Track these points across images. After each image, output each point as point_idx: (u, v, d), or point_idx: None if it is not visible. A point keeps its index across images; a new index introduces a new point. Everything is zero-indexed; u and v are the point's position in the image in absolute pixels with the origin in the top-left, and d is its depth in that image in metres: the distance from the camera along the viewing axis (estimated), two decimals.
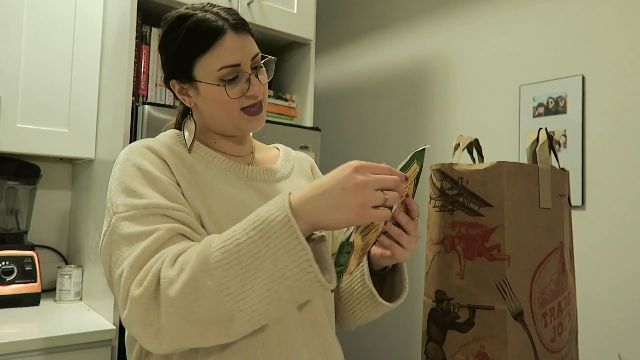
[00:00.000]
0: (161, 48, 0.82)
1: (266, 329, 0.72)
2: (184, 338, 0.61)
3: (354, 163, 0.62)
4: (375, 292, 0.82)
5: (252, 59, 0.80)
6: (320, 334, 0.78)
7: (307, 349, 0.75)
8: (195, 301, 0.59)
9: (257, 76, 0.80)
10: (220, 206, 0.75)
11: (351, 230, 0.64)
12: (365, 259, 0.81)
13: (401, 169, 0.69)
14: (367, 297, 0.83)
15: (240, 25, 0.79)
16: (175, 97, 0.85)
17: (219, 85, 0.77)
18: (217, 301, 0.59)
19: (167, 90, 1.56)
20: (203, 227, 0.73)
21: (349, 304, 0.87)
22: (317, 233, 0.63)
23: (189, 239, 0.69)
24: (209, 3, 0.81)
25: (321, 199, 0.60)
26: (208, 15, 0.77)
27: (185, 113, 0.89)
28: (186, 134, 0.82)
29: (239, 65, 0.78)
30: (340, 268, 0.64)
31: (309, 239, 0.63)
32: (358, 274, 0.83)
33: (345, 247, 0.63)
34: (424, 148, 0.71)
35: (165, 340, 0.62)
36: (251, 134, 0.90)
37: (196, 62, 0.77)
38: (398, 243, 0.74)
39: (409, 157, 0.71)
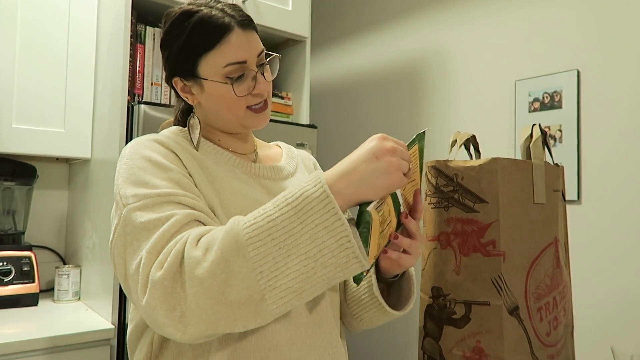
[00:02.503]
0: (164, 45, 0.80)
1: (278, 330, 0.71)
2: (212, 321, 0.58)
3: (378, 134, 0.64)
4: (385, 304, 0.81)
5: (258, 56, 0.79)
6: (328, 334, 0.78)
7: (316, 350, 0.75)
8: (225, 281, 0.57)
9: (262, 74, 0.79)
10: (234, 202, 0.74)
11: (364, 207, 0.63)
12: (373, 270, 0.80)
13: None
14: (375, 307, 0.82)
15: (247, 22, 0.78)
16: (177, 95, 0.84)
17: (225, 82, 0.76)
18: (250, 280, 0.57)
19: (163, 90, 1.56)
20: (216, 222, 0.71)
21: (356, 312, 0.86)
22: (345, 215, 0.62)
23: (205, 225, 0.67)
24: None
25: (355, 172, 0.61)
26: (214, 12, 0.76)
27: (186, 111, 0.88)
28: (192, 131, 0.80)
29: (245, 62, 0.77)
30: (364, 236, 0.62)
31: None
32: (365, 284, 0.82)
33: (364, 216, 0.61)
34: (424, 131, 0.73)
35: (191, 323, 0.58)
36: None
37: (201, 59, 0.76)
38: (405, 252, 0.73)
39: (410, 140, 0.72)
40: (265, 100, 0.81)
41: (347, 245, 0.58)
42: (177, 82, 0.80)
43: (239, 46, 0.76)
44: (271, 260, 0.57)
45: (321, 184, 0.59)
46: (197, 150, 0.78)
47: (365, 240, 0.62)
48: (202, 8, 0.76)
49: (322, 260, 0.58)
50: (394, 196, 0.68)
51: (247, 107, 0.79)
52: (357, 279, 0.67)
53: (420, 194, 0.73)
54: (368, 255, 0.64)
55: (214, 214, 0.72)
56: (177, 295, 0.59)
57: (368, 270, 0.68)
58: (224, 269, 0.57)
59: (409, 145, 0.71)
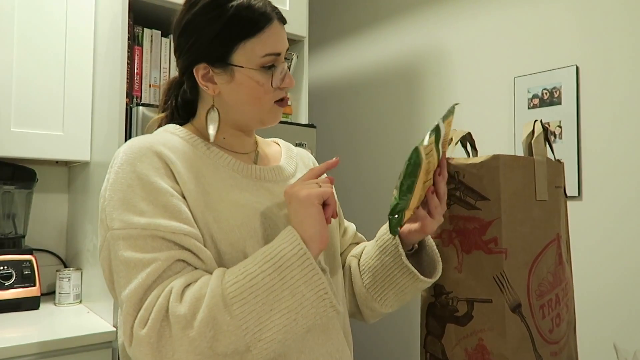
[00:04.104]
0: (190, 28, 0.75)
1: None
2: None
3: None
4: (415, 271, 0.80)
5: (286, 52, 0.80)
6: (334, 338, 0.78)
7: (323, 356, 0.75)
8: (213, 336, 0.60)
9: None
10: (232, 214, 0.72)
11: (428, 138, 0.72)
12: (398, 241, 0.81)
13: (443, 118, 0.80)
14: (405, 277, 0.81)
15: (283, 17, 0.79)
16: (193, 85, 0.80)
17: (264, 71, 0.75)
18: (236, 336, 0.61)
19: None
20: (212, 239, 0.70)
21: (380, 292, 0.84)
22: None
23: (188, 264, 0.66)
24: None
25: (297, 218, 0.68)
26: (253, 1, 0.75)
27: (184, 106, 0.84)
28: (210, 126, 0.78)
29: (279, 54, 0.77)
30: (410, 180, 0.71)
31: None
32: (391, 259, 0.81)
33: (416, 160, 0.69)
34: (456, 104, 0.82)
35: None
36: None
37: (239, 46, 0.74)
38: (429, 214, 0.78)
39: (447, 111, 0.80)
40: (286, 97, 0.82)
41: (325, 297, 0.64)
42: (200, 69, 0.76)
43: (278, 38, 0.76)
44: (255, 317, 0.61)
45: (298, 240, 0.64)
46: (211, 141, 0.77)
47: (409, 188, 0.70)
48: None
49: (302, 312, 0.63)
50: (437, 153, 0.75)
51: (275, 101, 0.79)
52: (394, 230, 0.74)
53: (445, 158, 0.80)
54: (409, 207, 0.72)
55: (208, 228, 0.70)
56: (163, 349, 0.61)
57: (401, 225, 0.74)
58: (212, 327, 0.60)
59: (445, 117, 0.78)
